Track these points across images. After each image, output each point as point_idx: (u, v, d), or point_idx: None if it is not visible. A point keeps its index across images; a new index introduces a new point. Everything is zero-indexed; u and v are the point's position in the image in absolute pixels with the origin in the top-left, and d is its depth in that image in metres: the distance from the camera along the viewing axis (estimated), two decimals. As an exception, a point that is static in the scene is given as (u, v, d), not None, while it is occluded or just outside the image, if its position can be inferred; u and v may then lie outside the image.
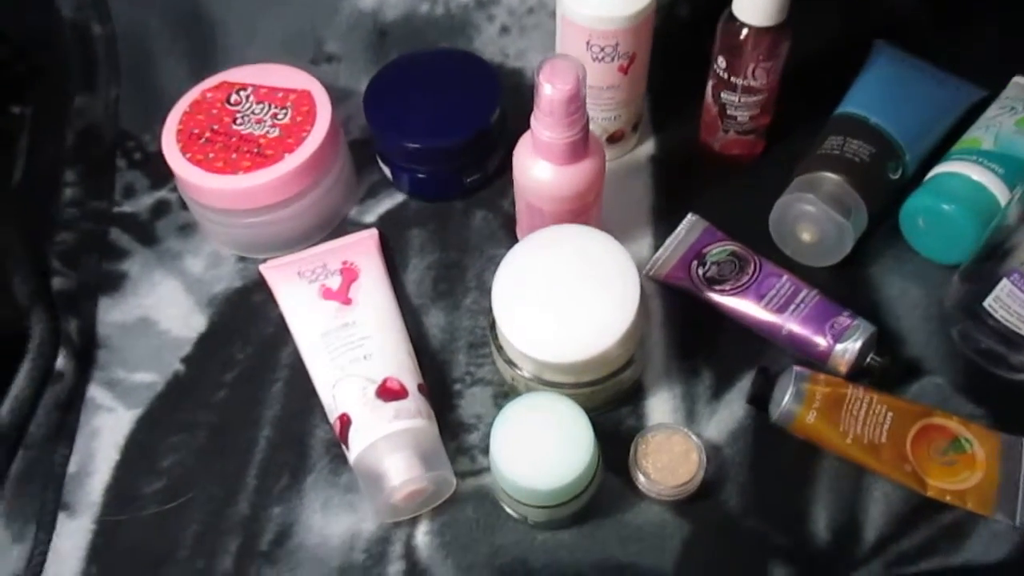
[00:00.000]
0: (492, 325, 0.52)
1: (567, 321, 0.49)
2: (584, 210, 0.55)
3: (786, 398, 0.51)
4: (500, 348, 0.52)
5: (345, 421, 0.50)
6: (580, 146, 0.51)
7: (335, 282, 0.56)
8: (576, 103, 0.48)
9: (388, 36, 0.68)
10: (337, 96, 0.68)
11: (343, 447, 0.51)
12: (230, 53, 0.68)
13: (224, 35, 0.68)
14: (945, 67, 0.64)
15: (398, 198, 0.64)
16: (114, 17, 0.65)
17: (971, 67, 0.64)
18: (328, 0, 0.67)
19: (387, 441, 0.49)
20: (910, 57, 0.65)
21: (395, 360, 0.53)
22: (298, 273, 0.57)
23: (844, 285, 0.58)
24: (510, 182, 0.63)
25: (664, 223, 0.61)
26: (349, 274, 0.56)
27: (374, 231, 0.60)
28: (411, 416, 0.50)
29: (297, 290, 0.56)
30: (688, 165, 0.64)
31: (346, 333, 0.53)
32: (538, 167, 0.52)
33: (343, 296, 0.55)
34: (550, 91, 0.48)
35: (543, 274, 0.50)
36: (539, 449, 0.47)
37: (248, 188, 0.56)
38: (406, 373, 0.52)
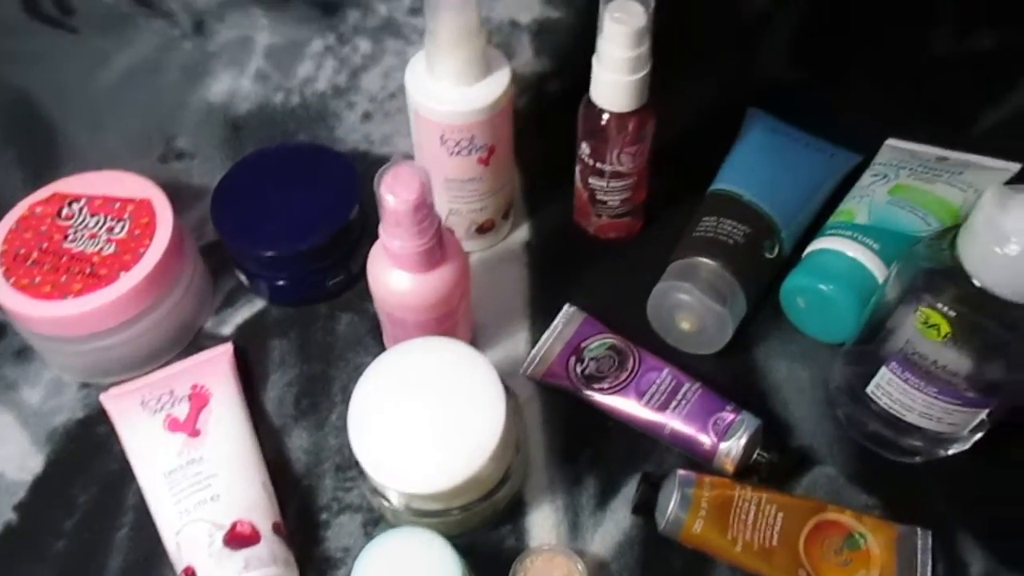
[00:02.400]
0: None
1: (429, 445, 0.45)
2: (450, 315, 0.51)
3: (671, 506, 0.48)
4: (363, 474, 0.48)
5: (190, 574, 0.45)
6: (435, 252, 0.48)
7: (182, 411, 0.51)
8: (423, 211, 0.45)
9: (243, 129, 0.64)
10: (190, 195, 0.63)
11: None
12: (71, 155, 0.63)
13: (63, 136, 0.63)
14: (821, 132, 0.63)
15: (258, 305, 0.60)
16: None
17: (846, 130, 0.63)
18: (174, 95, 0.63)
19: (235, 597, 0.44)
20: (783, 124, 0.64)
21: (247, 499, 0.48)
22: (142, 402, 0.52)
23: (729, 371, 0.55)
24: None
25: (542, 315, 0.58)
26: (199, 400, 0.52)
27: (228, 347, 0.55)
28: (264, 564, 0.45)
29: (140, 422, 0.51)
30: (565, 250, 0.61)
31: (192, 471, 0.48)
32: (394, 277, 0.49)
33: (190, 427, 0.50)
34: (393, 202, 0.44)
35: (401, 395, 0.46)
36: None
37: (79, 314, 0.51)
38: (259, 513, 0.48)
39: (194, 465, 0.49)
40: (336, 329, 0.58)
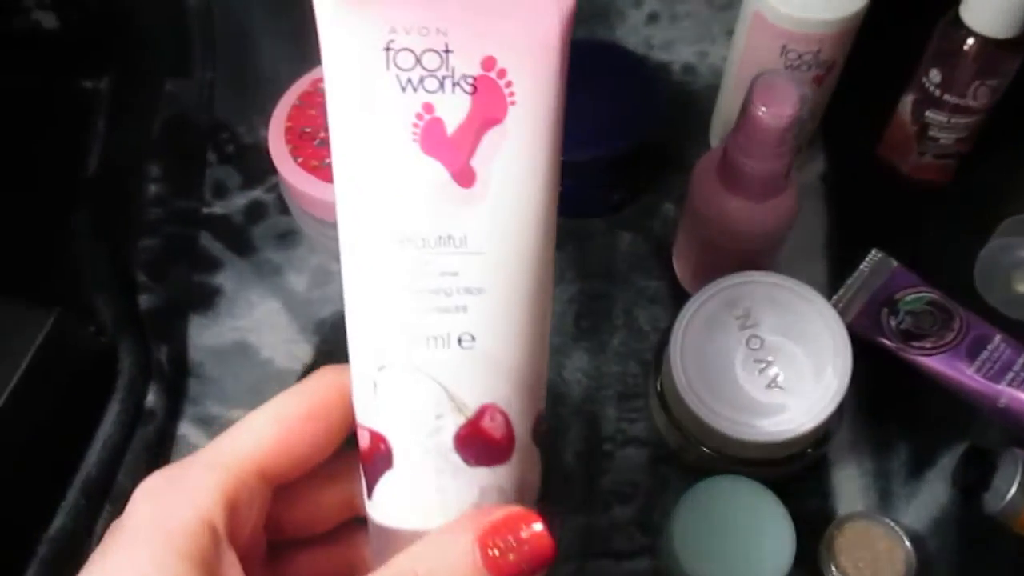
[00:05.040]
0: (658, 384, 0.45)
1: (768, 391, 0.41)
2: (771, 249, 0.46)
3: (1013, 489, 0.43)
4: (668, 410, 0.44)
5: (382, 454, 0.26)
6: (783, 179, 0.43)
7: (456, 108, 0.25)
8: (794, 130, 0.40)
9: (518, 20, 0.59)
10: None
11: (364, 490, 0.27)
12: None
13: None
14: None
15: (529, 212, 0.56)
16: (210, -12, 0.56)
17: None
18: (452, -25, 0.58)
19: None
20: None
21: (515, 364, 0.25)
22: (386, 47, 0.24)
23: (1059, 345, 0.49)
24: (662, 200, 0.55)
25: (841, 257, 0.53)
26: (489, 99, 0.25)
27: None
28: (505, 498, 0.26)
29: (379, 99, 0.24)
30: (868, 188, 0.55)
31: (440, 261, 0.25)
32: (728, 200, 0.44)
33: (461, 161, 0.25)
34: (765, 116, 0.39)
35: (733, 332, 0.42)
36: (735, 548, 0.39)
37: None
38: (524, 397, 0.26)
39: (445, 247, 0.25)
40: (618, 247, 0.54)
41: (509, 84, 0.25)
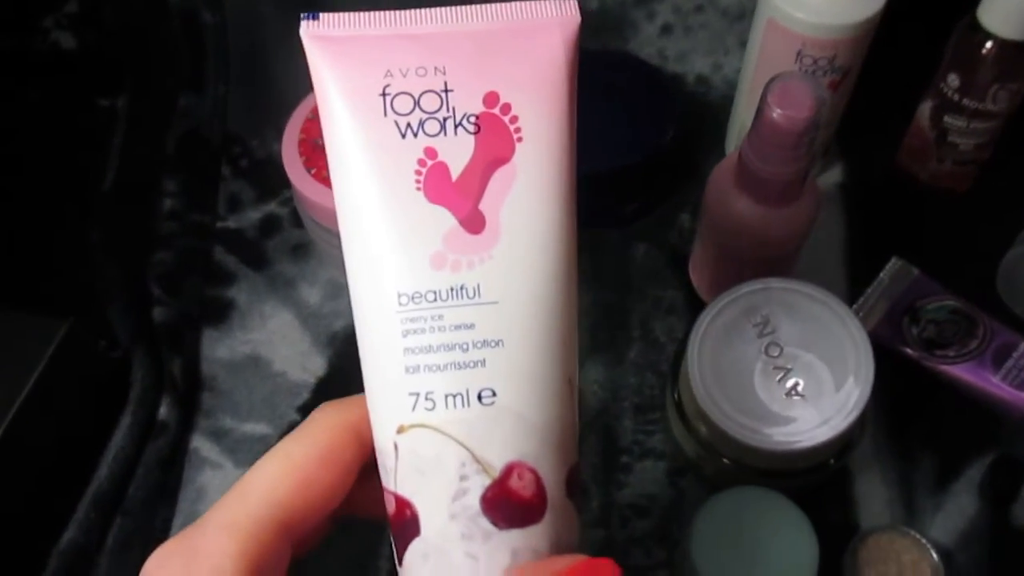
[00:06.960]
0: (675, 394, 0.44)
1: (790, 401, 0.40)
2: (788, 256, 0.46)
3: (1042, 501, 0.42)
4: (685, 420, 0.43)
5: (408, 520, 0.24)
6: (799, 184, 0.42)
7: (460, 150, 0.23)
8: (811, 133, 0.39)
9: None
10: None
11: (394, 555, 0.25)
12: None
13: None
14: None
15: (543, 223, 0.55)
16: (225, 4, 0.56)
17: None
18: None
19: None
20: None
21: (539, 418, 0.23)
22: (382, 92, 0.24)
23: (1087, 353, 0.48)
24: (678, 211, 0.54)
25: (861, 266, 0.52)
26: (496, 141, 0.24)
27: (572, 6, 0.26)
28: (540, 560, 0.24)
29: (378, 149, 0.23)
30: (885, 196, 0.55)
31: (453, 314, 0.23)
32: (744, 205, 0.43)
33: (469, 202, 0.23)
34: (780, 118, 0.39)
35: (751, 339, 0.41)
36: (756, 561, 0.38)
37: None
38: (553, 451, 0.24)
39: (455, 299, 0.23)
40: (633, 259, 0.53)
41: (515, 119, 0.24)
